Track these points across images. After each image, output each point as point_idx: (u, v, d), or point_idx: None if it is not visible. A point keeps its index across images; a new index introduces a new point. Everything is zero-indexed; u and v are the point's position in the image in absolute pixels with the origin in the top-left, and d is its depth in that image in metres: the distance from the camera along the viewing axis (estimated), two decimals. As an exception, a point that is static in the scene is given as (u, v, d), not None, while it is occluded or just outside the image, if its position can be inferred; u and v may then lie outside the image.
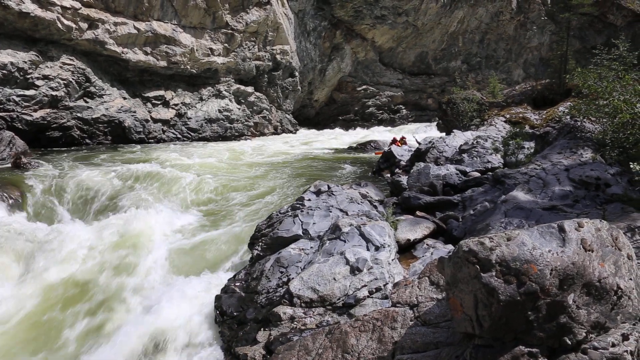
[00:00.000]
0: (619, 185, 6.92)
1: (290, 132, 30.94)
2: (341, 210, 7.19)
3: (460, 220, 7.52)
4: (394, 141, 19.59)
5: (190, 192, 11.32)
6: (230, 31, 25.45)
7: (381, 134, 30.27)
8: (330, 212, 7.04)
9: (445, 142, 14.02)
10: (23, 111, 17.65)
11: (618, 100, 8.14)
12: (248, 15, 26.02)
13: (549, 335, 2.90)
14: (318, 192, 7.90)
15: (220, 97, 26.17)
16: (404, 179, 10.48)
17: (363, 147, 23.36)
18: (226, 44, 25.52)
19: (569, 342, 2.91)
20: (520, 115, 17.27)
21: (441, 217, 7.83)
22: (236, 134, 26.54)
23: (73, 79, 19.28)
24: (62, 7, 18.42)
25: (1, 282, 7.18)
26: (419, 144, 15.66)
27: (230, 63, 26.00)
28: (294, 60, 30.19)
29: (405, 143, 19.04)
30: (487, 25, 38.78)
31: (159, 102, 23.30)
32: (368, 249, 5.67)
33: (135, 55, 21.71)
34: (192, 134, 24.27)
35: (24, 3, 17.21)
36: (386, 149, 17.44)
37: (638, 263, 3.45)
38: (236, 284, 5.94)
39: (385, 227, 6.20)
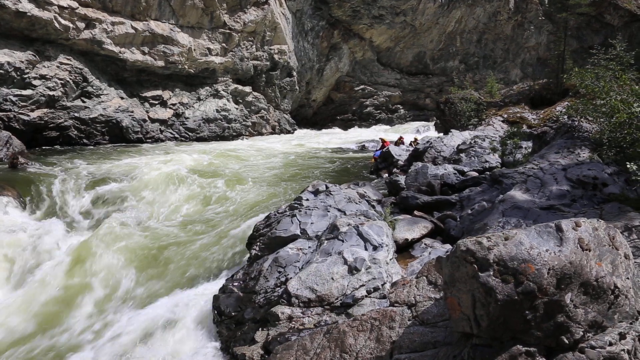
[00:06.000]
0: (616, 185, 6.93)
1: (288, 132, 30.90)
2: (339, 210, 7.19)
3: (458, 219, 7.53)
4: (382, 143, 17.77)
5: (188, 193, 11.28)
6: (227, 31, 25.40)
7: (379, 134, 30.26)
8: (328, 211, 7.04)
9: (443, 141, 14.03)
10: (20, 111, 17.58)
11: (615, 100, 8.17)
12: (246, 15, 25.96)
13: (547, 334, 2.90)
14: (316, 192, 7.90)
15: (218, 97, 26.11)
16: (401, 179, 10.48)
17: (361, 147, 23.36)
18: (224, 44, 25.48)
19: (567, 342, 2.91)
20: (518, 115, 17.31)
21: (439, 216, 7.84)
22: (234, 133, 26.50)
23: (70, 78, 19.21)
24: (59, 7, 18.33)
25: None
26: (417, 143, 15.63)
27: (228, 63, 25.95)
28: (291, 60, 30.16)
29: (402, 143, 19.00)
30: (484, 25, 38.84)
31: (156, 102, 23.24)
32: (366, 249, 5.66)
33: (133, 55, 21.64)
34: (189, 133, 24.22)
35: (20, 2, 17.12)
36: (378, 152, 16.54)
37: (635, 262, 3.46)
38: (234, 284, 5.93)
39: (383, 226, 6.20)
